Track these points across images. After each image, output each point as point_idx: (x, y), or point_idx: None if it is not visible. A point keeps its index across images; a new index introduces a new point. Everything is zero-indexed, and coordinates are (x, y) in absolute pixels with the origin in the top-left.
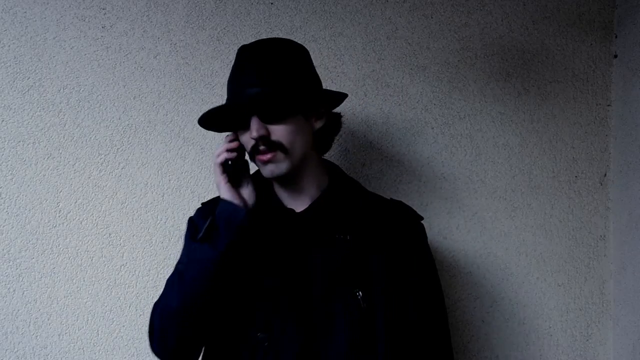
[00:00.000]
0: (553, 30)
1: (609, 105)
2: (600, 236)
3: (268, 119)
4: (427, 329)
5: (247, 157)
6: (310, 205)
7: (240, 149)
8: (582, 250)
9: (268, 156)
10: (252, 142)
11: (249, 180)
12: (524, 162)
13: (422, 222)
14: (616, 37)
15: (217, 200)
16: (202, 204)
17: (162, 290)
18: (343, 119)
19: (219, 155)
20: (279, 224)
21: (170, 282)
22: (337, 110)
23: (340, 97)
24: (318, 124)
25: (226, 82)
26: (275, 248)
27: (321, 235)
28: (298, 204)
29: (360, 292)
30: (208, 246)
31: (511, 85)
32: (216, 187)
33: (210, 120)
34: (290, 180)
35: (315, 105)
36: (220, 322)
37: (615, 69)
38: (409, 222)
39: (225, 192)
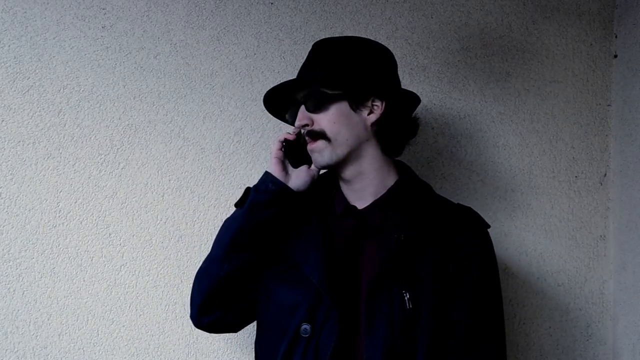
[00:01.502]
0: (553, 30)
1: (609, 105)
2: (600, 236)
3: (311, 108)
4: (477, 345)
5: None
6: (371, 203)
7: (300, 136)
8: (582, 250)
9: (312, 145)
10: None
11: (305, 169)
12: (524, 162)
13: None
14: (616, 37)
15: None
16: None
17: (161, 290)
18: None
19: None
20: (339, 218)
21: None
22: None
23: (396, 91)
24: (371, 118)
25: (226, 82)
26: (330, 241)
27: (378, 233)
28: (361, 202)
29: (408, 294)
30: (238, 209)
31: (511, 85)
32: None
33: (277, 112)
34: (347, 176)
35: (360, 94)
36: (251, 296)
37: (615, 69)
38: (473, 229)
39: (271, 165)
